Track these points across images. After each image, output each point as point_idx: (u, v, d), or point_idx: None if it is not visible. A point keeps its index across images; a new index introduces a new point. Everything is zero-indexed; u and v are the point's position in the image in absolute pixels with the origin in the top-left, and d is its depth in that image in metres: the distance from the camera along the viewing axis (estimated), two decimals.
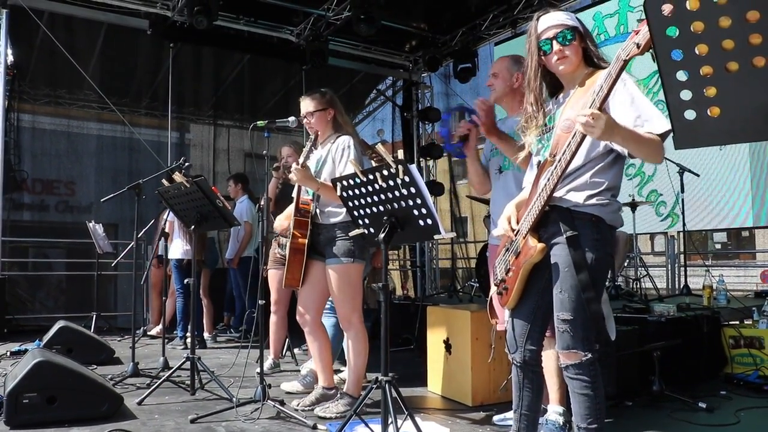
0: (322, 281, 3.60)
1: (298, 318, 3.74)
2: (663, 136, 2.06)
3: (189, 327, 6.35)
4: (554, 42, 2.29)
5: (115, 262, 6.31)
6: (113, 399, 3.46)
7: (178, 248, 6.07)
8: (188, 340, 6.20)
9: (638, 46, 1.80)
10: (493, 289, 2.69)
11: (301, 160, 3.43)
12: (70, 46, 7.39)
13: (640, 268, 5.98)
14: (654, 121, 2.07)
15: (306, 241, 3.53)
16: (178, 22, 7.54)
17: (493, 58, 8.92)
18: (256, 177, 7.64)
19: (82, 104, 8.97)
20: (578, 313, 2.20)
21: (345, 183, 2.96)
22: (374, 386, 2.79)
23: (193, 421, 3.32)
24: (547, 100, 2.46)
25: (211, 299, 6.61)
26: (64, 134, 8.76)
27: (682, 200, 5.39)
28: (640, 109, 2.11)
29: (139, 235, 4.53)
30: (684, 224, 5.41)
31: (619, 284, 5.46)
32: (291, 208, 3.68)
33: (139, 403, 3.71)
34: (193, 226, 3.98)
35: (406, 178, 2.65)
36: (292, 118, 3.63)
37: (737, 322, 4.75)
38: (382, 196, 2.80)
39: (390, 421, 2.69)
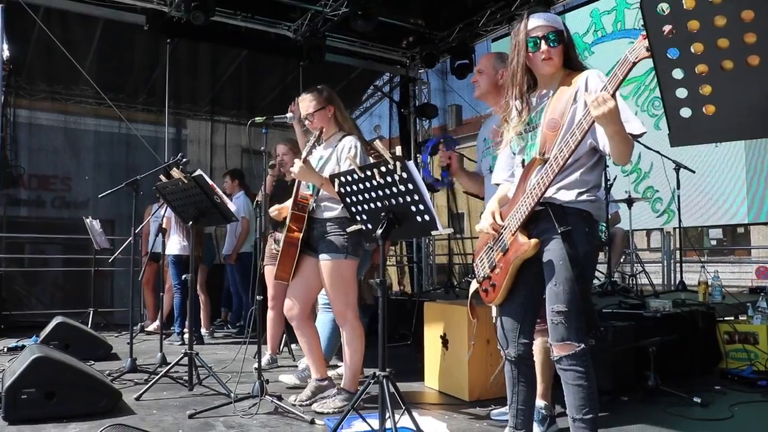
0: (313, 276, 3.60)
1: (285, 311, 3.73)
2: (636, 138, 2.15)
3: (187, 323, 6.40)
4: (542, 41, 2.34)
5: (112, 258, 6.31)
6: (111, 394, 3.47)
7: (175, 244, 6.08)
8: (186, 336, 6.22)
9: (648, 49, 1.83)
10: (475, 286, 2.72)
11: (303, 155, 3.43)
12: (67, 42, 7.37)
13: (636, 264, 6.00)
14: (632, 122, 2.13)
15: (301, 235, 3.54)
16: (175, 18, 7.52)
17: None
18: (254, 173, 7.65)
19: (78, 100, 8.95)
20: (572, 305, 2.25)
21: (343, 179, 2.97)
22: (372, 381, 2.82)
23: (191, 417, 3.33)
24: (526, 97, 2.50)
25: (208, 295, 6.62)
26: (61, 130, 8.73)
27: (678, 197, 5.42)
28: (620, 110, 2.15)
29: (136, 231, 4.53)
30: (680, 220, 5.43)
31: (615, 280, 5.49)
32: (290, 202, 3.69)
33: (137, 399, 3.72)
34: (191, 222, 3.99)
35: (404, 174, 2.66)
36: (290, 114, 3.64)
37: (732, 318, 4.79)
38: (380, 192, 2.82)
39: (387, 416, 2.72)
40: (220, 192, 3.86)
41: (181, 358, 4.00)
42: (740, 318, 4.79)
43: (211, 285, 6.88)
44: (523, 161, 2.44)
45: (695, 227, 5.62)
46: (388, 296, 7.15)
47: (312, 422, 3.23)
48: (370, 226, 3.02)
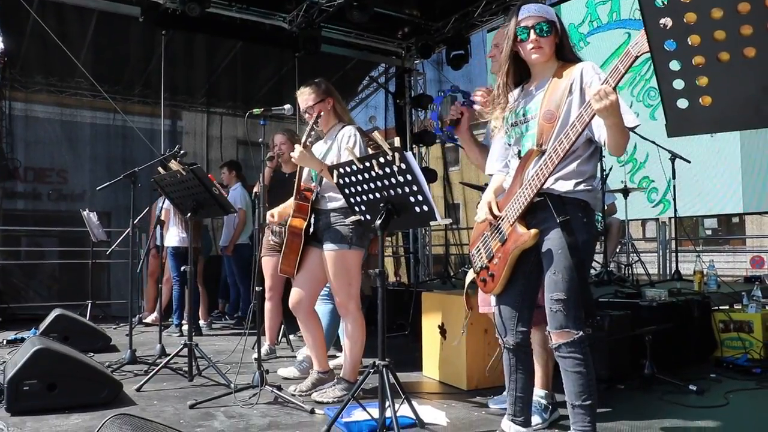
0: (319, 269, 3.62)
1: (291, 305, 3.76)
2: (631, 130, 2.20)
3: (185, 314, 6.42)
4: (532, 31, 2.37)
5: (110, 250, 6.32)
6: (112, 385, 3.49)
7: (173, 236, 6.09)
8: (184, 328, 6.25)
9: None
10: (471, 276, 2.74)
11: (303, 140, 3.44)
12: (62, 34, 7.34)
13: (631, 254, 6.04)
14: (627, 115, 2.15)
15: (303, 224, 3.56)
16: (170, 9, 7.49)
17: (486, 44, 8.93)
18: (251, 164, 7.64)
19: (73, 92, 8.92)
20: (571, 293, 2.28)
21: (342, 170, 2.99)
22: (372, 371, 2.85)
23: (191, 407, 3.35)
24: (511, 87, 2.52)
25: (206, 287, 6.64)
26: (57, 122, 8.70)
27: (674, 186, 5.45)
28: None
29: (134, 222, 4.54)
30: (675, 210, 5.46)
31: (611, 270, 5.52)
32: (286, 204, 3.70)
33: (138, 390, 3.75)
34: (189, 214, 4.00)
35: (403, 165, 2.68)
36: (287, 106, 3.64)
37: (727, 307, 4.83)
38: (379, 183, 2.84)
39: (387, 404, 2.75)
40: (217, 184, 3.86)
41: (181, 349, 4.02)
42: (735, 307, 4.84)
43: (208, 276, 6.90)
44: (519, 152, 2.46)
45: (690, 217, 5.64)
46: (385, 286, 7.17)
47: (312, 412, 3.26)
48: (368, 216, 3.04)
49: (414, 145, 10.04)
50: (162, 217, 5.53)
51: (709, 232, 13.33)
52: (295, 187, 3.61)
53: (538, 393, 3.02)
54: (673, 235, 6.44)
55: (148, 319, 6.89)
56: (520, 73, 2.50)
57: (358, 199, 3.01)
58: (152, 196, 7.00)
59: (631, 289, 4.68)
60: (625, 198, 5.86)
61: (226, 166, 6.92)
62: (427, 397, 3.66)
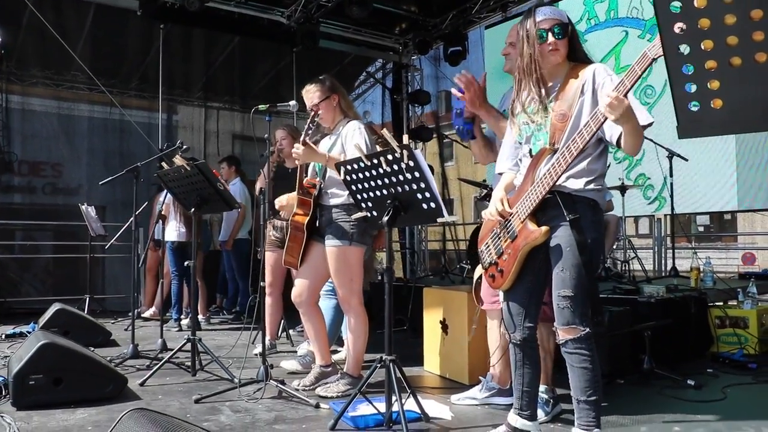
0: (321, 263, 3.65)
1: (294, 299, 3.78)
2: (644, 128, 2.23)
3: (184, 308, 6.44)
4: (549, 33, 2.42)
5: (108, 244, 6.32)
6: (118, 380, 3.51)
7: (172, 230, 6.10)
8: (182, 322, 6.28)
9: None
10: (479, 272, 2.78)
11: (302, 137, 3.46)
12: (59, 27, 7.31)
13: (628, 251, 6.10)
14: (639, 113, 2.19)
15: (307, 220, 3.59)
16: (168, 3, 7.48)
17: (484, 41, 8.96)
18: (247, 159, 7.66)
19: (70, 85, 8.88)
20: (579, 290, 2.33)
21: (349, 167, 3.02)
22: (378, 365, 2.89)
23: (197, 401, 3.38)
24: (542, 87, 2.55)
25: (204, 281, 6.65)
26: (54, 116, 8.67)
27: (671, 184, 5.51)
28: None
29: (136, 214, 4.55)
30: (672, 207, 5.53)
31: (608, 266, 5.58)
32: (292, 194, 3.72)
33: (142, 384, 3.77)
34: (193, 209, 4.02)
35: (411, 163, 2.71)
36: (293, 102, 3.66)
37: (721, 303, 4.89)
38: (386, 180, 2.87)
39: (395, 399, 2.79)
40: (221, 179, 3.89)
41: (185, 344, 4.04)
42: (729, 303, 4.90)
43: (207, 271, 6.91)
44: (530, 151, 2.50)
45: (684, 214, 5.70)
46: (382, 282, 7.22)
47: (317, 406, 3.29)
48: (375, 213, 3.08)
49: (411, 141, 10.05)
50: (163, 212, 5.53)
51: (701, 229, 13.45)
52: (297, 183, 3.64)
53: (540, 387, 3.07)
54: (668, 232, 6.51)
55: (146, 314, 6.90)
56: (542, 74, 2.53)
57: (365, 195, 3.05)
58: (150, 191, 7.01)
59: (629, 286, 4.74)
60: (623, 195, 5.91)
61: (225, 161, 6.93)
62: (430, 391, 3.70)
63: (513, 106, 2.59)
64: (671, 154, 5.34)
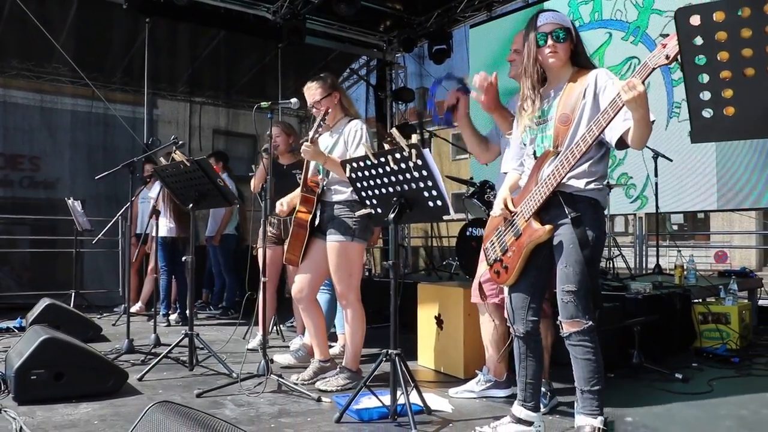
0: (321, 259, 3.70)
1: (294, 294, 3.83)
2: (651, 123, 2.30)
3: (172, 304, 6.44)
4: (549, 37, 2.51)
5: (96, 239, 6.27)
6: (119, 375, 3.52)
7: (162, 226, 6.07)
8: (171, 317, 6.27)
9: (667, 57, 1.98)
10: (483, 269, 2.86)
11: (310, 135, 3.50)
12: (41, 17, 7.21)
13: (613, 248, 6.25)
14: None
15: (309, 217, 3.63)
16: None
17: (468, 40, 9.03)
18: (234, 155, 7.63)
19: (51, 78, 8.75)
20: (582, 285, 2.42)
21: (354, 165, 3.08)
22: (384, 359, 2.96)
23: (199, 396, 3.41)
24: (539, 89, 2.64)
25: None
26: (36, 109, 8.54)
27: (656, 184, 5.66)
28: None
29: (131, 210, 4.55)
30: (657, 207, 5.68)
31: None
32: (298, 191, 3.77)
33: (140, 379, 3.78)
34: (191, 205, 4.03)
35: (419, 162, 2.78)
36: (294, 100, 3.70)
37: (699, 301, 5.04)
38: (393, 178, 2.94)
39: (401, 392, 2.86)
40: (221, 175, 3.91)
41: (182, 339, 4.06)
42: (707, 300, 5.06)
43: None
44: (534, 153, 2.59)
45: (661, 212, 5.85)
46: (371, 279, 7.28)
47: (319, 400, 3.34)
48: (379, 210, 3.14)
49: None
50: (157, 207, 5.52)
51: (675, 228, 13.78)
52: (302, 180, 3.68)
53: None
54: (651, 231, 6.68)
55: (133, 309, 6.84)
56: (539, 77, 2.62)
57: (369, 192, 3.11)
58: (134, 186, 6.96)
59: (615, 282, 4.87)
60: (608, 194, 6.04)
61: (213, 157, 6.91)
62: (426, 385, 3.76)
63: (519, 108, 2.68)
64: (656, 155, 5.49)
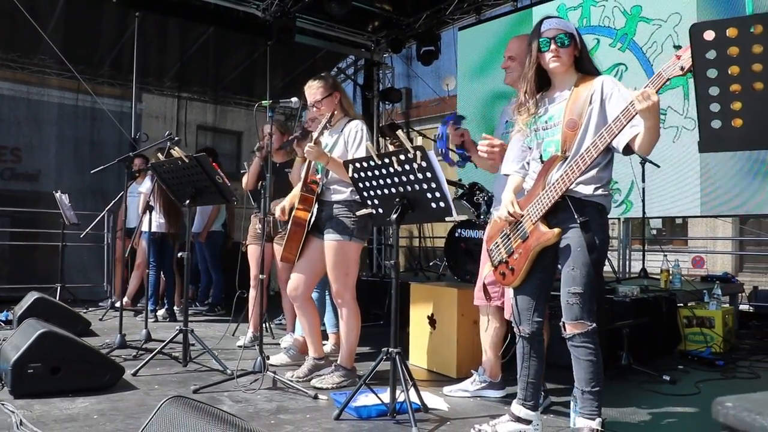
0: (318, 258, 3.73)
1: (289, 292, 3.85)
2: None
3: (159, 299, 6.41)
4: (552, 42, 2.57)
5: (84, 233, 6.23)
6: (115, 370, 3.52)
7: (153, 221, 6.05)
8: (158, 313, 6.26)
9: (682, 69, 2.05)
10: (488, 270, 2.92)
11: (314, 136, 3.53)
12: (29, 9, 7.13)
13: None
14: None
15: (308, 215, 3.66)
16: None
17: (457, 42, 9.10)
18: (221, 152, 7.61)
19: (37, 69, 8.65)
20: (587, 287, 2.49)
21: (357, 165, 3.12)
22: (384, 358, 3.00)
23: (195, 392, 3.41)
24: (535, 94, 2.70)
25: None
26: (23, 100, 8.43)
27: (643, 189, 5.77)
28: None
29: (126, 204, 4.54)
30: (644, 212, 5.79)
31: None
32: (297, 189, 3.79)
33: (134, 374, 3.78)
34: (188, 201, 4.04)
35: (423, 163, 2.83)
36: (294, 99, 3.72)
37: (681, 305, 5.15)
38: (396, 179, 2.98)
39: (400, 390, 2.91)
40: (220, 172, 3.92)
41: (177, 335, 4.06)
42: (689, 304, 5.18)
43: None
44: (541, 156, 2.64)
45: (646, 218, 5.97)
46: (359, 278, 7.29)
47: (315, 397, 3.37)
48: (381, 210, 3.18)
49: (381, 138, 10.17)
50: (150, 202, 5.50)
51: (654, 233, 14.00)
52: (302, 179, 3.70)
53: None
54: (635, 235, 6.80)
55: (118, 304, 6.81)
56: (541, 82, 2.68)
57: (371, 192, 3.15)
58: (122, 180, 6.92)
59: (604, 285, 4.95)
60: (612, 199, 6.15)
61: (203, 154, 6.89)
62: (419, 384, 3.79)
63: (520, 112, 2.72)
64: (644, 160, 5.60)
